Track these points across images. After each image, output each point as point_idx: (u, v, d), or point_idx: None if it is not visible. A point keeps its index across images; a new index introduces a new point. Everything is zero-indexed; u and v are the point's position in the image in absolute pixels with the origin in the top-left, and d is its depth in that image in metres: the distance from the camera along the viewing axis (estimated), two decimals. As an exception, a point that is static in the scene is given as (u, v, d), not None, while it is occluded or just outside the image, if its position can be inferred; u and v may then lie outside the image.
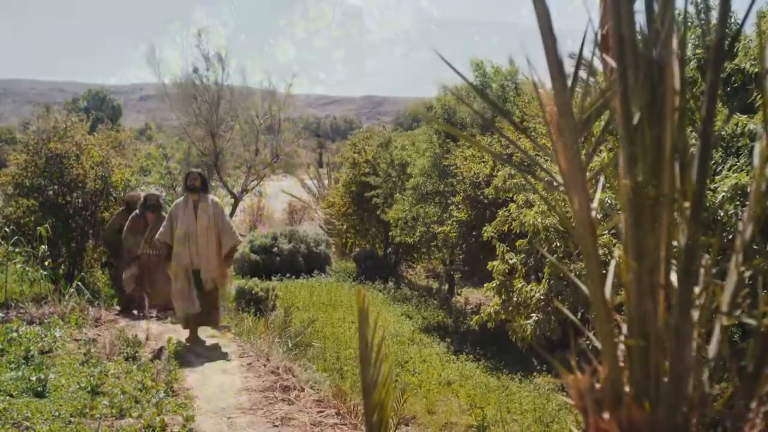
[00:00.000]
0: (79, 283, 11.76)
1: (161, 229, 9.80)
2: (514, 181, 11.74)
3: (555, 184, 1.56)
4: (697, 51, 9.07)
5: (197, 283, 9.63)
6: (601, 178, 1.84)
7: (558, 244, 9.69)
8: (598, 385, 1.47)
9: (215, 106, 23.40)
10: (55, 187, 13.39)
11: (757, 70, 8.37)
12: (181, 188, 10.23)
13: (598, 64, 1.68)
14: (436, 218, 17.26)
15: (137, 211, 11.56)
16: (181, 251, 9.56)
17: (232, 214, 21.63)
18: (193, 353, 9.16)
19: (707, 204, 6.92)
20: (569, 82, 1.49)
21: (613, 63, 1.47)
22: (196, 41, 23.56)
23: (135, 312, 11.68)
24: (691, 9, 9.31)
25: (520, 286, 10.25)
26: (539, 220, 9.81)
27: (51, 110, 14.49)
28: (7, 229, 12.15)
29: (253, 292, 13.18)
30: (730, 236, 7.05)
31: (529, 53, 1.68)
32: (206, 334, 10.08)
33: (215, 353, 9.34)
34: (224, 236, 9.72)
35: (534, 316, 9.79)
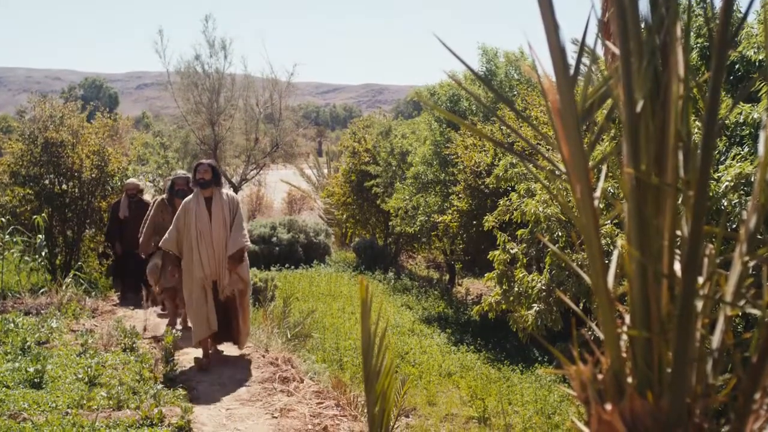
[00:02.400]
0: (76, 273, 11.75)
1: (166, 234, 8.43)
2: (516, 170, 11.70)
3: (557, 173, 1.54)
4: (698, 40, 9.04)
5: (215, 295, 8.29)
6: (604, 167, 1.83)
7: (560, 234, 9.66)
8: (600, 376, 1.46)
9: (216, 94, 23.39)
10: (51, 176, 13.38)
11: (760, 57, 8.34)
12: (191, 182, 8.59)
13: (601, 51, 1.66)
14: (436, 208, 17.23)
15: (164, 196, 10.21)
16: (195, 260, 8.16)
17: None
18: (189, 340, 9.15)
19: (711, 193, 6.90)
20: (572, 70, 1.47)
21: (615, 49, 1.45)
22: (203, 27, 23.51)
23: (147, 304, 10.92)
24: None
25: (521, 276, 10.23)
26: (540, 209, 9.78)
27: (48, 98, 14.41)
28: (2, 219, 12.14)
29: (252, 282, 13.18)
30: (734, 226, 7.04)
31: (531, 40, 1.66)
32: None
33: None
34: (233, 233, 8.29)
35: (535, 306, 9.77)
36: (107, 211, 13.59)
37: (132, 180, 12.66)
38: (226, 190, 8.54)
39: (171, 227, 8.35)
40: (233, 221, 8.31)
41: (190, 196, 8.39)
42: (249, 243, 8.52)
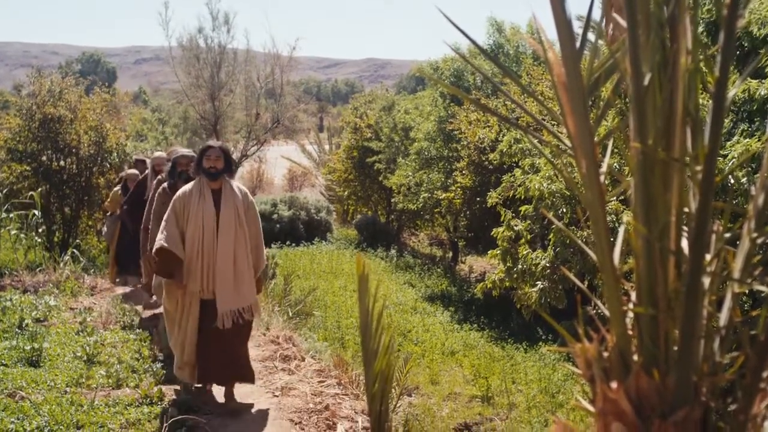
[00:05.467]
0: (74, 251, 11.73)
1: (161, 230, 6.23)
2: (520, 146, 11.63)
3: (563, 148, 1.52)
4: (704, 15, 8.96)
5: (207, 320, 6.21)
6: (610, 143, 1.80)
7: (564, 210, 9.61)
8: (605, 354, 1.45)
9: (217, 68, 23.31)
10: (49, 152, 13.35)
11: (764, 33, 8.28)
12: (193, 170, 6.52)
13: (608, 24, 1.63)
14: (439, 184, 17.16)
15: (165, 183, 7.77)
16: (191, 269, 6.16)
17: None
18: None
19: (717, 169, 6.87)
20: (578, 43, 1.44)
21: (622, 22, 1.43)
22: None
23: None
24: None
25: (525, 253, 10.19)
26: (545, 185, 9.71)
27: (45, 73, 14.32)
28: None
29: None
30: (742, 203, 7.02)
31: (537, 13, 1.63)
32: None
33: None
34: (255, 248, 6.44)
35: (539, 284, 9.74)
36: (105, 187, 13.54)
37: (160, 154, 10.91)
38: (237, 183, 6.61)
39: (168, 224, 6.24)
40: (251, 226, 6.43)
41: (189, 185, 6.39)
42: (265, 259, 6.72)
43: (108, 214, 11.73)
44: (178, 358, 6.30)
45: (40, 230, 12.10)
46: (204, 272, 6.14)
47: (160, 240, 6.13)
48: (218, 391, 6.57)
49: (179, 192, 6.34)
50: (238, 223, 6.26)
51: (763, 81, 7.73)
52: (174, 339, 6.30)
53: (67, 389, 6.36)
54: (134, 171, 11.17)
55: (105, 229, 11.86)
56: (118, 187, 11.53)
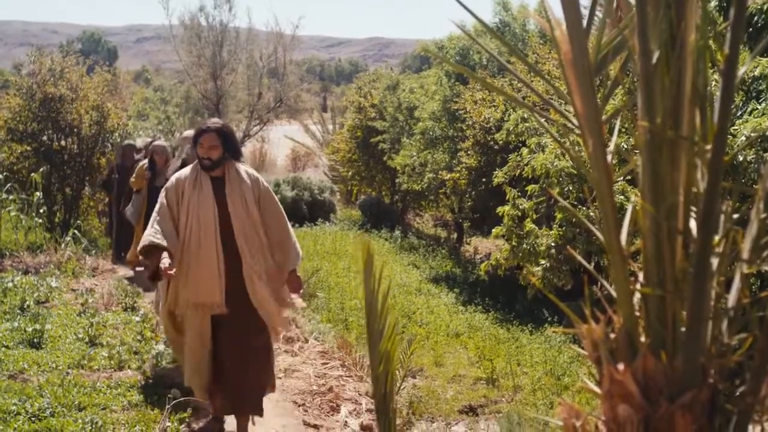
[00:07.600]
0: (76, 232, 11.71)
1: (152, 227, 4.95)
2: (527, 124, 11.57)
3: (570, 127, 1.50)
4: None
5: (223, 342, 5.11)
6: (617, 121, 1.78)
7: (570, 189, 9.54)
8: (612, 335, 1.44)
9: (219, 47, 23.21)
10: (50, 132, 13.31)
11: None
12: (191, 152, 5.54)
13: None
14: (444, 164, 17.07)
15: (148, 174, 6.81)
16: (191, 276, 4.98)
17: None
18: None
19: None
20: (585, 19, 1.42)
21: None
22: None
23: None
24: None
25: (531, 227, 10.11)
26: (550, 161, 9.64)
27: (45, 52, 14.26)
28: (0, 176, 12.11)
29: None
30: (750, 182, 6.98)
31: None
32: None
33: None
34: (281, 245, 5.21)
35: (544, 263, 9.70)
36: (106, 168, 13.51)
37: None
38: (246, 167, 5.32)
39: (160, 217, 4.99)
40: (267, 216, 5.18)
41: (185, 170, 5.21)
42: (300, 250, 5.38)
43: (134, 191, 10.99)
44: (195, 386, 5.22)
45: (40, 211, 12.08)
46: (211, 280, 4.95)
47: (148, 236, 4.90)
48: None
49: (172, 179, 5.18)
50: (248, 217, 5.03)
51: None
52: (187, 356, 5.18)
53: (69, 371, 6.37)
54: (162, 143, 10.35)
55: (130, 207, 11.12)
56: (144, 161, 10.86)
